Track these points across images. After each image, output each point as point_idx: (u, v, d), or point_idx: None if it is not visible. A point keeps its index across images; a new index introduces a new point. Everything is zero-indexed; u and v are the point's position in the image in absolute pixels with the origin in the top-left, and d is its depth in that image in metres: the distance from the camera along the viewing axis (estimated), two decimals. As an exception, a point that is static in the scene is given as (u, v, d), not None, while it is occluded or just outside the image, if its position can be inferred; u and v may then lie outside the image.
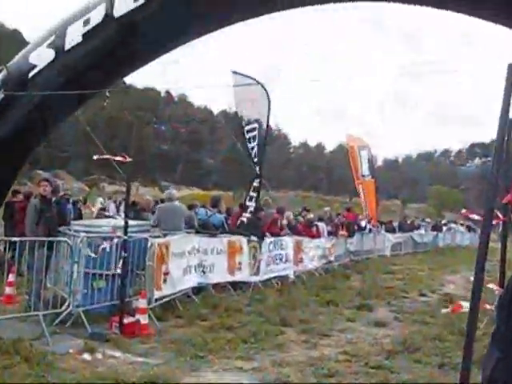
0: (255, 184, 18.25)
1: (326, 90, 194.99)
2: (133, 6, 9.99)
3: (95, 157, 11.20)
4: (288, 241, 17.54)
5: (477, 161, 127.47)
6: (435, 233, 41.56)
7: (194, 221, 14.77)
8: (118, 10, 10.18)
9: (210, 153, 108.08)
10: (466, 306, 5.51)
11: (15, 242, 10.44)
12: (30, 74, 10.70)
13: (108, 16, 10.30)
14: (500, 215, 6.49)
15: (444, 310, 6.50)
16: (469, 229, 49.63)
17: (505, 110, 4.87)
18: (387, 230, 32.72)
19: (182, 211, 14.07)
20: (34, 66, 10.70)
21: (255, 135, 18.30)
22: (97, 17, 10.42)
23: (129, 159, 10.30)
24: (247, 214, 16.87)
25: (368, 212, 31.75)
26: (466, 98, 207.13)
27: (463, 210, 39.73)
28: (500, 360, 2.65)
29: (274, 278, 16.69)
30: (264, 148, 18.65)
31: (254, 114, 18.67)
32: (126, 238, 10.26)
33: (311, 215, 22.81)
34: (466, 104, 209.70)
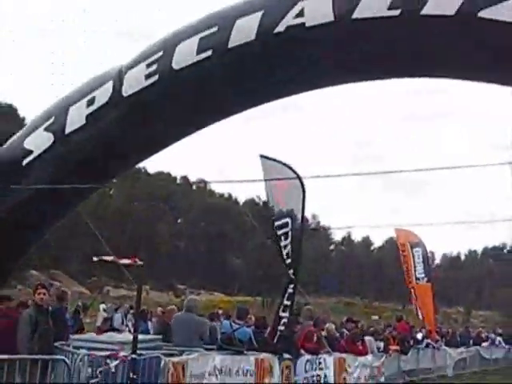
0: (289, 290, 18.00)
1: (371, 176, 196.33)
2: (145, 83, 10.19)
3: (95, 258, 11.16)
4: (328, 359, 17.28)
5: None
6: (508, 346, 40.70)
7: (217, 334, 14.68)
8: (128, 88, 10.38)
9: (236, 251, 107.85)
10: None
11: (3, 360, 10.38)
12: (25, 161, 10.83)
13: (116, 95, 10.51)
14: None
15: None
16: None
17: None
18: (448, 344, 32.08)
19: (198, 324, 13.76)
20: (30, 152, 10.82)
21: (288, 232, 18.11)
22: (103, 96, 10.61)
23: (139, 262, 10.29)
24: (281, 327, 16.62)
25: (424, 322, 31.35)
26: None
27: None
28: None
29: (312, 403, 16.42)
30: (299, 247, 18.43)
31: (286, 206, 18.58)
32: (134, 356, 10.17)
33: (357, 326, 22.60)
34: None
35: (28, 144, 10.84)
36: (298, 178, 18.14)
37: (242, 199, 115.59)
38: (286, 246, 17.92)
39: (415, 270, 31.71)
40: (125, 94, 10.33)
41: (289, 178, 17.70)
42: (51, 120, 10.88)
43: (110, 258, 10.94)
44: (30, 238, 11.93)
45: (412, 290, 31.81)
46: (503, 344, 40.57)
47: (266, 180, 18.07)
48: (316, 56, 9.48)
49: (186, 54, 9.80)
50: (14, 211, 10.89)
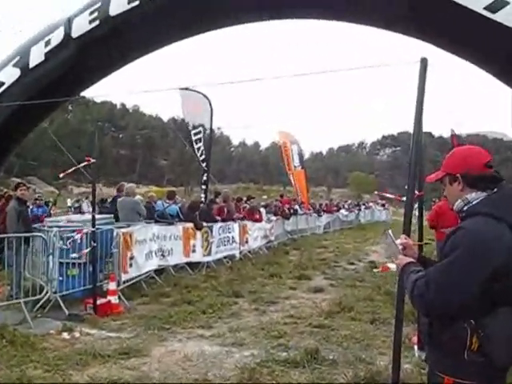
0: (204, 178, 18.51)
1: (260, 96, 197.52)
2: (89, 27, 9.66)
3: (61, 175, 10.82)
4: (234, 225, 17.41)
5: (387, 150, 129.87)
6: (356, 212, 42.06)
7: (154, 212, 14.59)
8: (76, 32, 9.83)
9: (163, 155, 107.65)
10: (392, 267, 5.48)
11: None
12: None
13: (67, 37, 9.96)
14: (417, 192, 6.53)
15: (375, 270, 6.59)
16: (384, 207, 50.51)
17: (419, 103, 4.80)
18: (318, 211, 32.76)
19: (135, 204, 13.36)
20: (2, 84, 10.29)
21: (201, 137, 18.67)
22: (57, 38, 10.05)
23: (93, 160, 9.99)
24: (202, 205, 16.88)
25: (300, 197, 31.94)
26: (378, 94, 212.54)
27: (376, 192, 40.34)
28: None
29: (225, 257, 16.56)
30: (210, 147, 18.92)
31: (198, 120, 18.97)
32: (94, 229, 9.99)
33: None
34: (377, 100, 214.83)
35: (0, 77, 10.28)
36: (206, 98, 18.48)
37: (166, 118, 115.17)
38: (199, 148, 18.46)
39: (293, 160, 32.10)
40: (74, 36, 9.78)
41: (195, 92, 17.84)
42: (17, 58, 10.32)
43: (71, 170, 10.58)
44: (7, 149, 11.43)
45: (291, 175, 32.25)
46: (354, 210, 41.95)
47: (183, 94, 18.60)
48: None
49: (118, 4, 9.32)
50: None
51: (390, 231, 3.39)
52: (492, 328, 2.71)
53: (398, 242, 3.26)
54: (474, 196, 2.91)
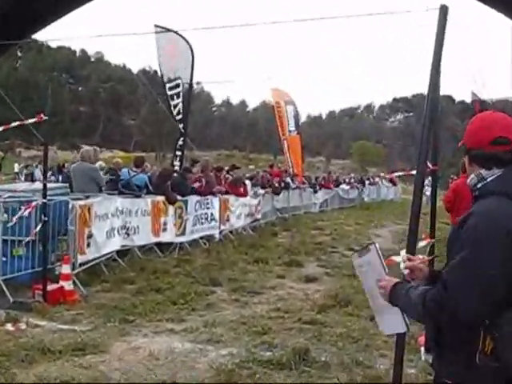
0: (180, 143, 18.22)
1: (249, 45, 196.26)
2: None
3: (0, 128, 10.66)
4: (214, 200, 17.40)
5: (399, 116, 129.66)
6: (360, 188, 42.10)
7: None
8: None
9: (131, 113, 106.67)
10: (398, 259, 5.50)
11: None
12: None
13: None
14: (430, 165, 6.50)
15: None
16: (392, 182, 50.58)
17: (437, 56, 4.77)
18: (313, 186, 32.72)
19: (91, 170, 13.34)
20: None
21: (178, 92, 18.23)
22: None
23: (45, 117, 9.86)
24: (174, 174, 16.67)
25: (293, 169, 31.86)
26: (390, 48, 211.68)
27: (384, 174, 40.27)
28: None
29: (201, 238, 16.58)
30: (188, 105, 18.60)
31: (176, 72, 18.50)
32: (45, 201, 9.93)
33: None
34: (389, 56, 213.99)
35: None
36: (186, 42, 18.09)
37: (135, 69, 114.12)
38: (177, 105, 18.14)
39: (288, 124, 31.99)
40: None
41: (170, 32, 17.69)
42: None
43: (14, 124, 10.41)
44: None
45: (285, 141, 32.13)
46: (356, 185, 41.99)
47: (158, 33, 18.10)
48: None
49: None
50: None
51: (376, 245, 3.27)
52: (508, 328, 2.73)
53: (402, 266, 3.20)
54: (489, 172, 2.94)
